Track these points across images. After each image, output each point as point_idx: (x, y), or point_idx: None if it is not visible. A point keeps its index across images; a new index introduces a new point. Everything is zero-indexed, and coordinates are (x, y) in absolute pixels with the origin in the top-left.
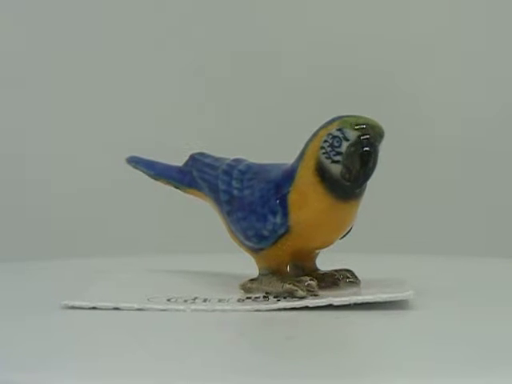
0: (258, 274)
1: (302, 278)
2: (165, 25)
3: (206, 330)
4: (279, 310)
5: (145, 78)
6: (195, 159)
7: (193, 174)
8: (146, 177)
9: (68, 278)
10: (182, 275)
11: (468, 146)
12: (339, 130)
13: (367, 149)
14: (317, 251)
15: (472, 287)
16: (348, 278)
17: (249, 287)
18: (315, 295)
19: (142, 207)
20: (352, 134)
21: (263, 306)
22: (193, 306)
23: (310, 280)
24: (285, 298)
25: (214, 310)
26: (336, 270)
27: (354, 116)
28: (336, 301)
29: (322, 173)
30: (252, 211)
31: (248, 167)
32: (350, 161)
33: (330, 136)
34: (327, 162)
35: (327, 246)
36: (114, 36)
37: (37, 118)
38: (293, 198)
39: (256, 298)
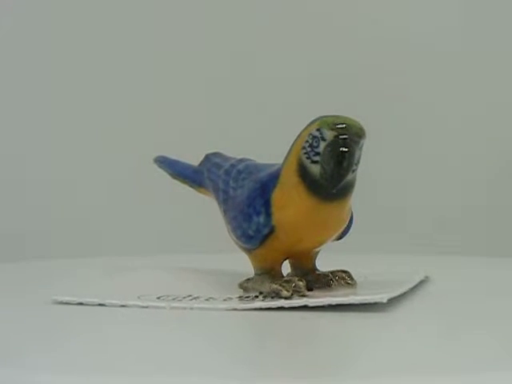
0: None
1: (291, 278)
2: (174, 27)
3: (172, 327)
4: (255, 309)
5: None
6: (208, 159)
7: (204, 174)
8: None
9: (71, 277)
10: (184, 274)
11: (469, 146)
12: (318, 130)
13: (343, 149)
14: (314, 251)
15: (480, 289)
16: (343, 279)
17: (245, 286)
18: (303, 296)
19: (152, 208)
20: (329, 134)
21: (240, 305)
22: (172, 304)
23: (298, 281)
24: (272, 297)
25: (192, 308)
26: (332, 271)
27: (333, 116)
28: (311, 302)
29: (303, 173)
30: (240, 211)
31: (246, 167)
32: (326, 161)
33: (311, 136)
34: (307, 162)
35: (318, 246)
36: (131, 39)
37: (38, 118)
38: (276, 198)
39: (246, 297)
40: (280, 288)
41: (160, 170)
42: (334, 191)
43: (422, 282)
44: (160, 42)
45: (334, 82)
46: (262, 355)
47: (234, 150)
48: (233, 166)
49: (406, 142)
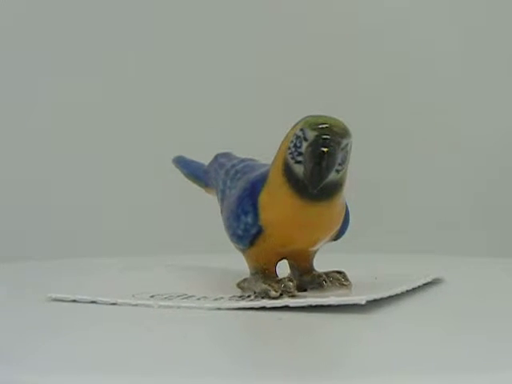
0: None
1: (282, 278)
2: (193, 32)
3: (150, 325)
4: (239, 309)
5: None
6: (216, 159)
7: (211, 174)
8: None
9: (70, 276)
10: (185, 273)
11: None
12: (301, 130)
13: (322, 149)
14: (310, 251)
15: (485, 290)
16: (338, 280)
17: (242, 286)
18: (292, 296)
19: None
20: (310, 134)
21: (224, 304)
22: (160, 302)
23: (288, 281)
24: (263, 297)
25: (179, 307)
26: (327, 272)
27: (316, 116)
28: (291, 302)
29: (288, 173)
30: (231, 211)
31: (243, 167)
32: (307, 161)
33: (295, 136)
34: (292, 163)
35: (311, 246)
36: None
37: (47, 114)
38: (264, 198)
39: (240, 296)
40: (269, 288)
41: (161, 170)
42: (316, 191)
43: (429, 284)
44: (179, 46)
45: (343, 81)
46: (233, 355)
47: (256, 150)
48: (233, 166)
49: (407, 142)
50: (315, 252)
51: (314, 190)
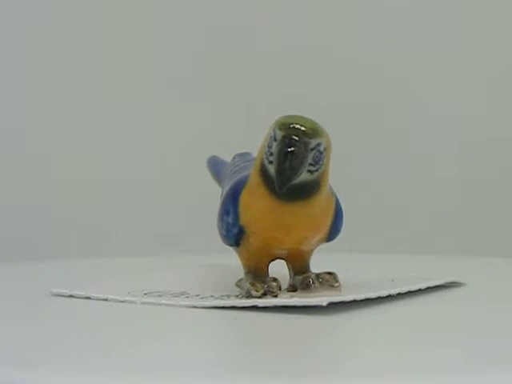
0: None
1: (267, 278)
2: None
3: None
4: (212, 307)
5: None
6: (233, 159)
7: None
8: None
9: (77, 274)
10: (187, 273)
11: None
12: (273, 130)
13: (287, 149)
14: (303, 251)
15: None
16: (327, 281)
17: (238, 285)
18: (275, 296)
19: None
20: (279, 134)
21: (198, 302)
22: (143, 299)
23: (272, 281)
24: (247, 297)
25: (160, 304)
26: (318, 273)
27: (287, 116)
28: (260, 302)
29: (263, 173)
30: (219, 210)
31: (241, 167)
32: (274, 161)
33: (269, 136)
34: (266, 163)
35: (296, 246)
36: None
37: (35, 117)
38: (244, 198)
39: (228, 296)
40: (251, 288)
41: (160, 170)
42: (284, 191)
43: (444, 286)
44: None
45: (345, 81)
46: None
47: None
48: (236, 166)
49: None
50: (310, 252)
51: (280, 191)
